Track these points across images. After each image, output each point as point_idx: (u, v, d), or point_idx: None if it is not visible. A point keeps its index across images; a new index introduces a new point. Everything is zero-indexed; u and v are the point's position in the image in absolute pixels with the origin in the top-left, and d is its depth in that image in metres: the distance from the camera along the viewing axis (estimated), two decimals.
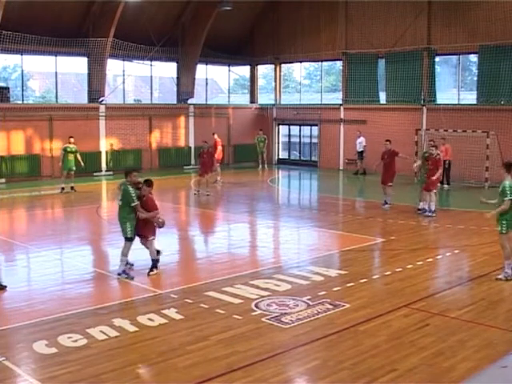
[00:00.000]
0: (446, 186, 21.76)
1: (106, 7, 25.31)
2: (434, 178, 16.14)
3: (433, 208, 16.37)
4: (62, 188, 20.93)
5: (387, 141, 17.90)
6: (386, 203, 17.56)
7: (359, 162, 26.88)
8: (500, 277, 10.30)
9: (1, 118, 23.53)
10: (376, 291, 9.83)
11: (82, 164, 21.52)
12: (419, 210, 16.76)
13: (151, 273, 10.60)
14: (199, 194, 20.40)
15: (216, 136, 24.68)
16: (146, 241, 10.71)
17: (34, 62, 27.48)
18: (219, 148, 24.34)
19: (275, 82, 32.40)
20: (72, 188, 21.01)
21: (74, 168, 21.22)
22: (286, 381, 6.65)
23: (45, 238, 14.03)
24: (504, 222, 10.21)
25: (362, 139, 26.82)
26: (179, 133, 29.13)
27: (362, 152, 26.76)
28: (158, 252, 10.84)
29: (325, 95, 30.79)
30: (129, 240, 10.51)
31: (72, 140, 21.31)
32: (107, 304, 9.08)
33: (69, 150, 21.10)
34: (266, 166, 29.30)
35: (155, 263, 10.69)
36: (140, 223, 10.55)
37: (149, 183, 10.68)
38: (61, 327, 8.01)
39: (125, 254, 10.50)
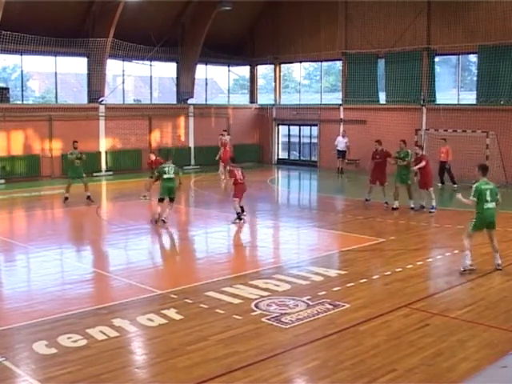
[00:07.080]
0: (455, 185, 21.48)
1: (106, 7, 25.29)
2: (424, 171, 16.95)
3: (434, 204, 16.82)
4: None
5: (377, 141, 18.18)
6: (387, 203, 17.55)
7: (344, 160, 27.45)
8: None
9: (0, 119, 23.52)
10: (376, 291, 9.83)
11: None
12: (412, 208, 17.14)
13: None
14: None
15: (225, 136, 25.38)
16: None
17: (33, 63, 27.45)
18: (221, 149, 24.78)
19: (275, 82, 32.37)
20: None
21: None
22: (286, 381, 6.65)
23: (45, 238, 14.03)
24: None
25: (347, 139, 27.29)
26: (179, 133, 29.14)
27: (345, 151, 27.22)
28: None
29: (324, 95, 30.76)
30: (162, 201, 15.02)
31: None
32: (107, 304, 9.06)
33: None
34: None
35: None
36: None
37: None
38: (61, 327, 8.00)
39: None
